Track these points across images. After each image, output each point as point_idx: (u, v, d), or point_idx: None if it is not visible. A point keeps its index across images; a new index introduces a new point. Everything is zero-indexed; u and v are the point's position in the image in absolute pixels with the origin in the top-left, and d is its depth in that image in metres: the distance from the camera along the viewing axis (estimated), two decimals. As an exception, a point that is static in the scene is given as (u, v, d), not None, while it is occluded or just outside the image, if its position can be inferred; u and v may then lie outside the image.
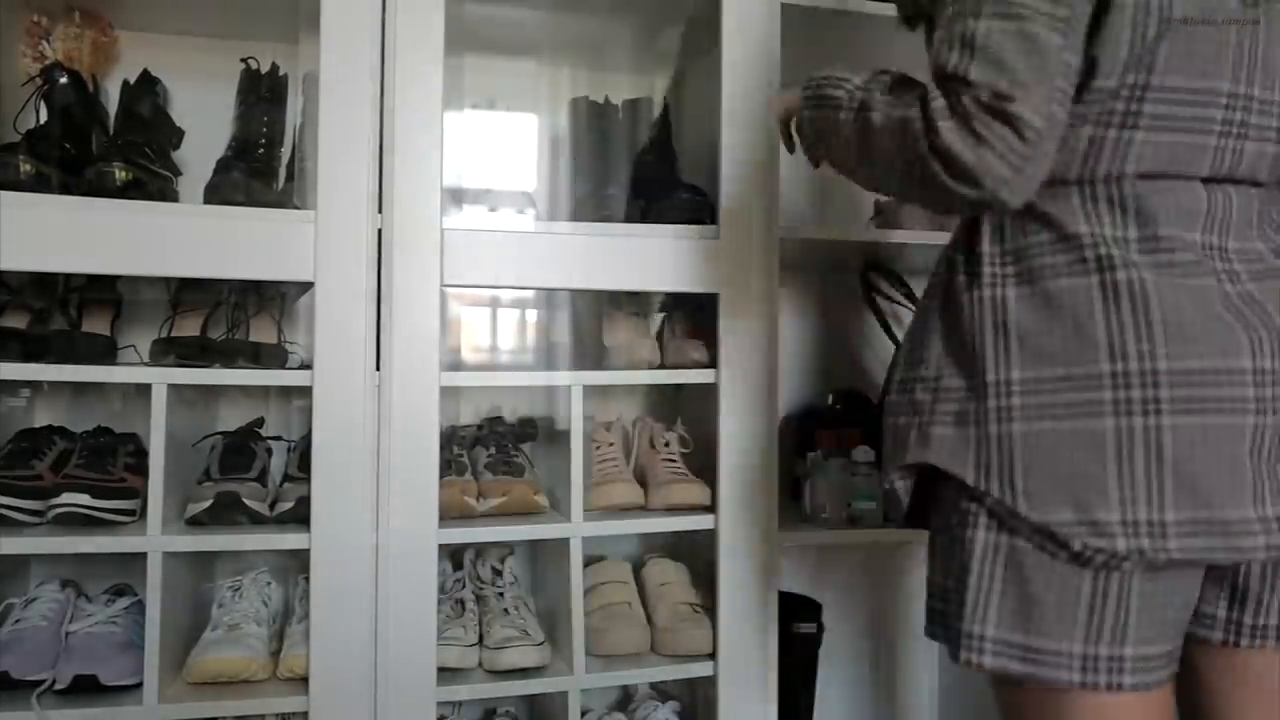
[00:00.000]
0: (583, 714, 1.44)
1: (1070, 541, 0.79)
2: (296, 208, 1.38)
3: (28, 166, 1.24)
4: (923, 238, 1.62)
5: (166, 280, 1.45)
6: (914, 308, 1.78)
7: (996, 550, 0.83)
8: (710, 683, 1.46)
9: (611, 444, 1.57)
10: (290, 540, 1.30)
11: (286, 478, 1.44)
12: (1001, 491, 0.82)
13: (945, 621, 0.89)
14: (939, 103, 0.76)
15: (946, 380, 0.88)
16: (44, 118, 1.35)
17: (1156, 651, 0.82)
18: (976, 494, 0.84)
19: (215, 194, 1.32)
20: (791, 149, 1.09)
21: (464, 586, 1.50)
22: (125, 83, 1.42)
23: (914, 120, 0.78)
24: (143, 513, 1.31)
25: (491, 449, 1.55)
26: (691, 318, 1.57)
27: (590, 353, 1.66)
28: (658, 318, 1.65)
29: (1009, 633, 0.83)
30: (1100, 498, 0.79)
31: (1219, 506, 0.78)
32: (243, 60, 1.47)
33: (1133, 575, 0.80)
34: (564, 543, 1.42)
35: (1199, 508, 0.78)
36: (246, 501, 1.32)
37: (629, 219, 1.52)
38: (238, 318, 1.45)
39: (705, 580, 1.51)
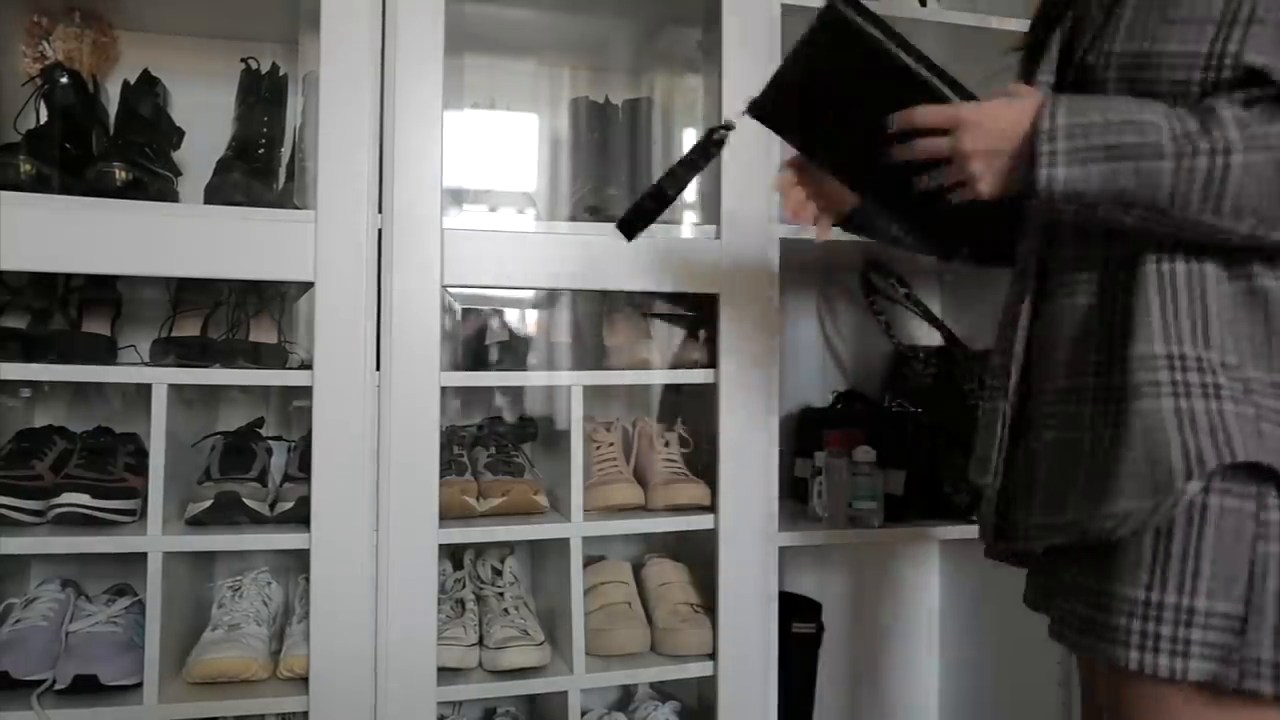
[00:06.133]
0: (583, 714, 1.44)
1: None
2: (296, 208, 1.37)
3: (28, 166, 1.24)
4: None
5: (166, 280, 1.45)
6: (910, 307, 1.79)
7: None
8: (710, 683, 1.46)
9: (611, 444, 1.57)
10: (290, 540, 1.30)
11: (286, 478, 1.44)
12: None
13: (1238, 653, 0.77)
14: None
15: (1250, 371, 0.79)
16: (44, 118, 1.35)
17: None
18: None
19: (215, 194, 1.32)
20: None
21: (464, 586, 1.50)
22: (125, 83, 1.42)
23: None
24: (143, 513, 1.31)
25: (491, 449, 1.55)
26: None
27: (590, 353, 1.66)
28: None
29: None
30: None
31: None
32: (243, 60, 1.47)
33: None
34: (564, 543, 1.42)
35: None
36: (246, 501, 1.32)
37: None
38: (238, 318, 1.45)
39: (705, 580, 1.51)
